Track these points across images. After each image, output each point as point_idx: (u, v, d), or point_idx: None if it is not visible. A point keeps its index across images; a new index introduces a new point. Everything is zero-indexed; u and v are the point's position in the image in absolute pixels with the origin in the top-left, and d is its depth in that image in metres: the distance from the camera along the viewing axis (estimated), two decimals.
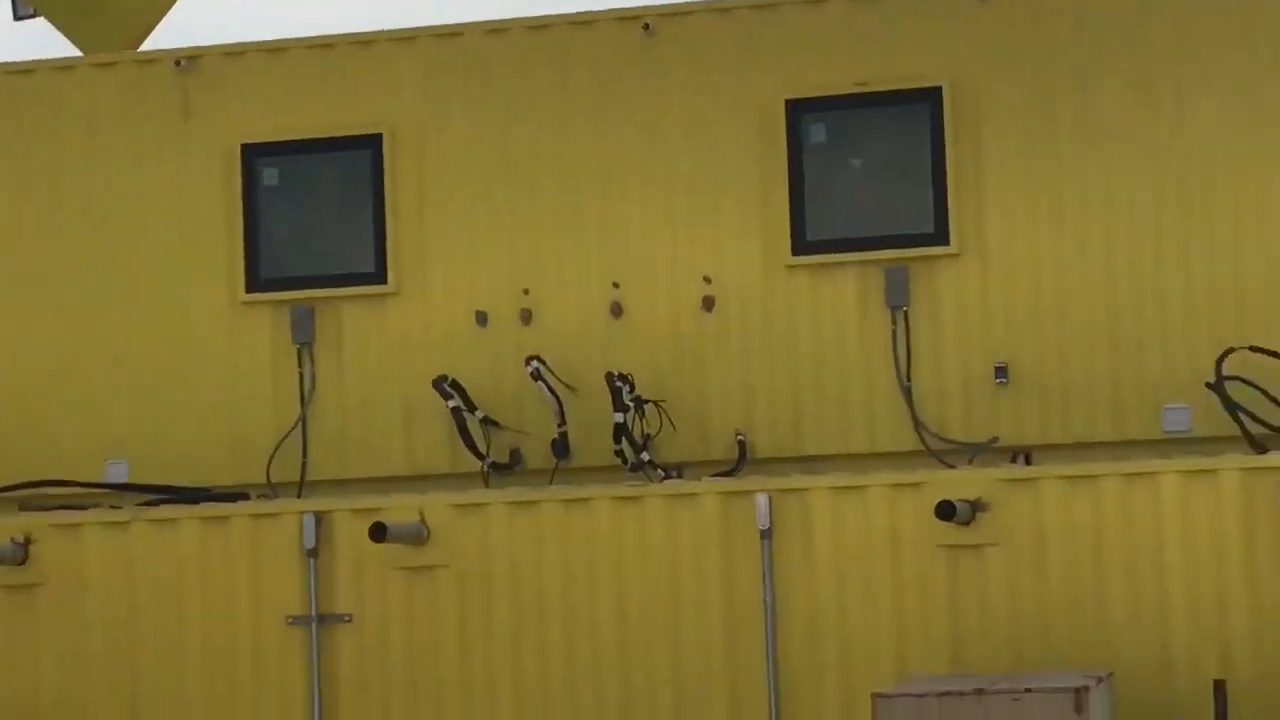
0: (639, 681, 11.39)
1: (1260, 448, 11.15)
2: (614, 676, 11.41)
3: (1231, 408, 11.21)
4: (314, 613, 11.53)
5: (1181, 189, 11.67)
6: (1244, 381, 11.31)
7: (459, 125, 12.75)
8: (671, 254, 12.42)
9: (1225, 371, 11.28)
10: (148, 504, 12.00)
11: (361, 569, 11.63)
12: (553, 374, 12.34)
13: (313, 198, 12.99)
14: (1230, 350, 11.32)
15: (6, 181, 13.28)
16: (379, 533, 11.33)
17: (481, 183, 12.70)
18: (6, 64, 13.46)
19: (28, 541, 11.58)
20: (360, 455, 12.65)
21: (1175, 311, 11.62)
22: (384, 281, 12.78)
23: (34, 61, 13.44)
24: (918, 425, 11.86)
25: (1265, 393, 11.30)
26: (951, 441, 11.81)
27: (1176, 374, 11.52)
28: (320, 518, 11.69)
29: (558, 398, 12.29)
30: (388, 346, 12.76)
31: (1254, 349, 11.35)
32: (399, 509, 11.62)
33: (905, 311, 12.01)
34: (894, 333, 12.00)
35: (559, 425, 12.30)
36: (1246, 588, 10.74)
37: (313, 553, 11.63)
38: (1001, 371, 11.82)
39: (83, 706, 11.58)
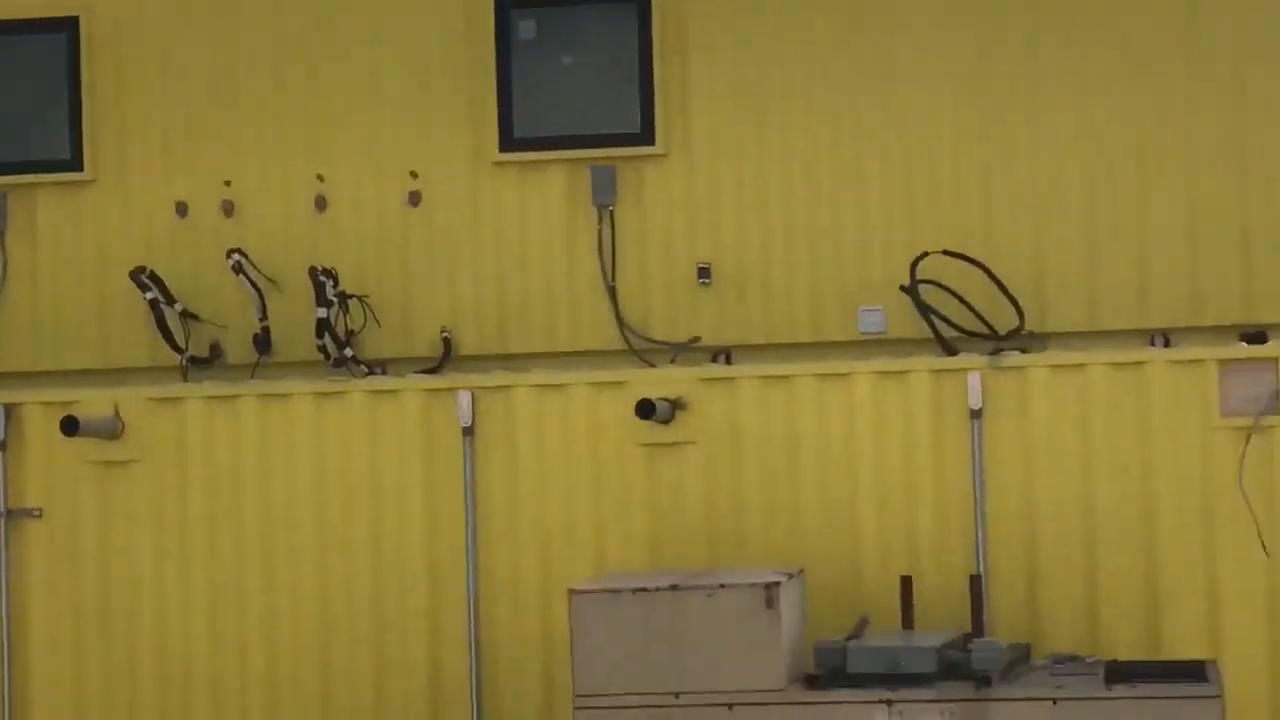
0: (337, 579, 11.39)
1: (950, 349, 11.47)
2: (311, 574, 11.38)
3: (924, 310, 11.50)
4: (3, 507, 11.28)
5: (881, 94, 11.84)
6: (937, 285, 11.59)
7: (160, 9, 12.40)
8: (378, 148, 12.26)
9: (919, 275, 11.54)
10: None
11: (52, 463, 11.41)
12: (255, 267, 12.14)
13: (5, 81, 12.54)
14: (924, 254, 11.58)
15: None
16: (70, 426, 11.11)
17: (183, 70, 12.38)
18: None
19: None
20: (53, 347, 12.30)
21: (873, 215, 11.83)
22: (80, 169, 12.43)
23: None
24: (621, 324, 11.94)
25: (957, 295, 11.59)
26: (654, 341, 11.92)
27: (873, 277, 11.75)
28: (10, 410, 11.45)
29: (259, 291, 12.11)
30: (83, 236, 12.41)
31: (947, 253, 11.63)
32: (92, 402, 11.40)
33: (611, 211, 12.05)
34: (599, 231, 12.04)
35: (260, 320, 12.12)
36: (934, 486, 11.10)
37: (1, 446, 11.36)
38: (704, 272, 11.94)
39: None
